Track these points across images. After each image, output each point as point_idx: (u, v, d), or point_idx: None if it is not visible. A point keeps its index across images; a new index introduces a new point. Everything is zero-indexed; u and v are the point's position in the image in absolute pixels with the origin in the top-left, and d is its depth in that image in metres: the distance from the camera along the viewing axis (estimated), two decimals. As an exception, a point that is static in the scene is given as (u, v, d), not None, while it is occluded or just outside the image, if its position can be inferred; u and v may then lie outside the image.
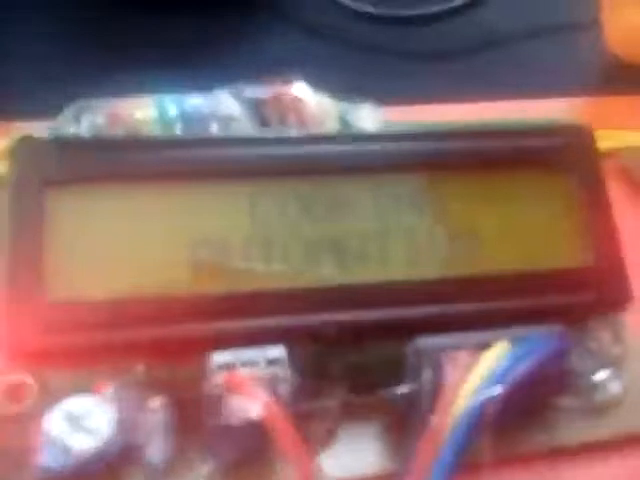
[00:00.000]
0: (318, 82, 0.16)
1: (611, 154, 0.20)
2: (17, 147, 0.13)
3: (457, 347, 0.13)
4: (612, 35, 0.23)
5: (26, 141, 0.13)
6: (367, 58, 0.23)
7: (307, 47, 0.23)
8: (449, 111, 0.19)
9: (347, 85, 0.17)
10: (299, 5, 0.24)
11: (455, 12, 0.24)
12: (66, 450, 0.12)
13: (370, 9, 0.23)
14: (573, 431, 0.15)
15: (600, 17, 0.23)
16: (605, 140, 0.20)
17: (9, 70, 0.19)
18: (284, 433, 0.11)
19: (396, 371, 0.13)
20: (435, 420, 0.12)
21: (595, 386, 0.15)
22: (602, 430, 0.15)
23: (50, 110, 0.15)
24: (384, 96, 0.17)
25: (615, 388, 0.15)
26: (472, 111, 0.19)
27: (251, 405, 0.11)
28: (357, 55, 0.23)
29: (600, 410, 0.15)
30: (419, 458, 0.12)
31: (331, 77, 0.16)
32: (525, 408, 0.14)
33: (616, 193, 0.19)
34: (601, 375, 0.15)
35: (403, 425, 0.13)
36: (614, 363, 0.16)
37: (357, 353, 0.14)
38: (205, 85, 0.16)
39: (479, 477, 0.13)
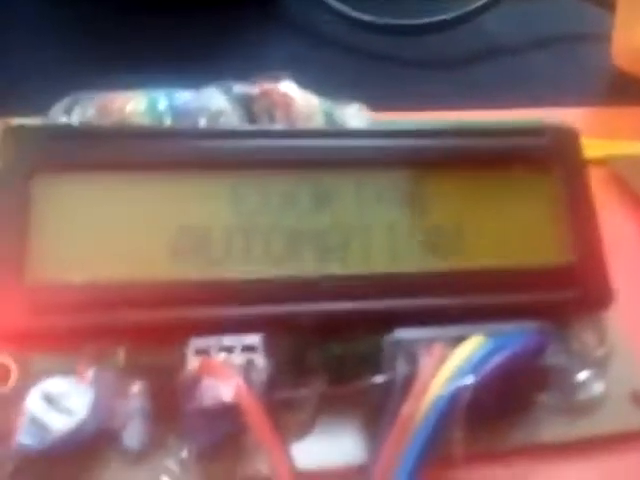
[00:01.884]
0: (313, 89, 0.17)
1: (605, 162, 0.20)
2: (5, 135, 0.14)
3: (434, 340, 0.13)
4: (621, 50, 0.23)
5: (14, 129, 0.14)
6: (365, 66, 0.23)
7: (305, 54, 0.23)
8: (443, 118, 0.19)
9: (344, 92, 0.17)
10: (300, 13, 0.24)
11: (458, 22, 0.24)
12: (43, 429, 0.12)
13: (370, 18, 0.23)
14: (554, 429, 0.15)
15: (605, 30, 0.23)
16: (600, 149, 0.21)
17: (4, 67, 0.20)
18: (256, 417, 0.11)
19: (373, 363, 0.14)
20: (406, 408, 0.12)
21: (578, 385, 0.15)
22: (583, 429, 0.15)
23: (44, 106, 0.16)
24: (380, 103, 0.17)
25: (598, 388, 0.15)
26: (470, 119, 0.19)
27: (224, 388, 0.12)
28: (356, 62, 0.23)
29: (582, 409, 0.15)
30: (389, 446, 0.12)
31: (328, 83, 0.17)
32: (503, 403, 0.14)
33: (610, 200, 0.20)
34: (584, 375, 0.15)
35: (379, 417, 0.13)
36: (597, 364, 0.16)
37: (335, 345, 0.14)
38: (196, 83, 0.16)
39: (455, 472, 0.13)
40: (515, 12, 0.25)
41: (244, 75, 0.17)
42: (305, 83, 0.17)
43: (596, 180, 0.19)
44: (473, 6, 0.24)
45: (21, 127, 0.14)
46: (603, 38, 0.24)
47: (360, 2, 0.24)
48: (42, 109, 0.15)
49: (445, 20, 0.24)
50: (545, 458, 0.15)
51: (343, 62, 0.23)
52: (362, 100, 0.17)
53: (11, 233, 0.13)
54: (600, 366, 0.16)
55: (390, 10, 0.24)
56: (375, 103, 0.17)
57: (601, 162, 0.20)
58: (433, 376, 0.12)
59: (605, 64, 0.24)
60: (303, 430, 0.14)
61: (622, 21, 0.23)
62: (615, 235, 0.18)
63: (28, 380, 0.13)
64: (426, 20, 0.24)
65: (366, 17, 0.23)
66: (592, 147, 0.20)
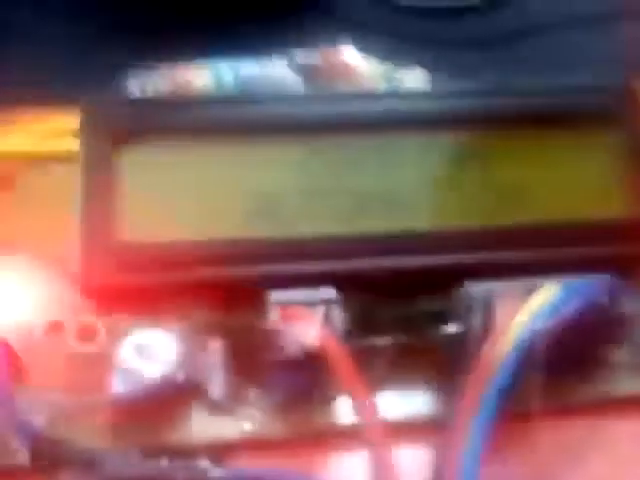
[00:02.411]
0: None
1: None
2: (87, 107, 0.14)
3: (507, 292, 0.13)
4: None
5: (95, 101, 0.14)
6: (405, 49, 0.23)
7: (345, 40, 0.23)
8: None
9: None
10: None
11: (499, 2, 0.24)
12: (136, 377, 0.12)
13: (407, 2, 0.23)
14: (626, 384, 0.15)
15: None
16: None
17: (74, 57, 0.21)
18: (339, 358, 0.12)
19: (444, 319, 0.14)
20: (484, 356, 0.12)
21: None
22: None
23: (114, 80, 0.16)
24: None
25: (670, 345, 0.15)
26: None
27: (308, 332, 0.12)
28: (395, 47, 0.23)
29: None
30: (470, 390, 0.12)
31: None
32: (578, 356, 0.14)
33: None
34: (656, 331, 0.15)
35: (453, 367, 0.13)
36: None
37: (407, 304, 0.14)
38: (258, 54, 0.17)
39: (529, 427, 0.13)
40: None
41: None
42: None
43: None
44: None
45: (102, 98, 0.14)
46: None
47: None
48: (112, 83, 0.16)
49: (486, 1, 0.24)
50: (618, 413, 0.15)
51: (383, 46, 0.24)
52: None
53: (100, 197, 0.13)
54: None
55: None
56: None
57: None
58: (509, 321, 0.13)
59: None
60: (378, 385, 0.14)
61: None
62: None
63: (114, 338, 0.14)
64: (463, 3, 0.24)
65: (408, 2, 0.23)
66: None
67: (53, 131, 0.17)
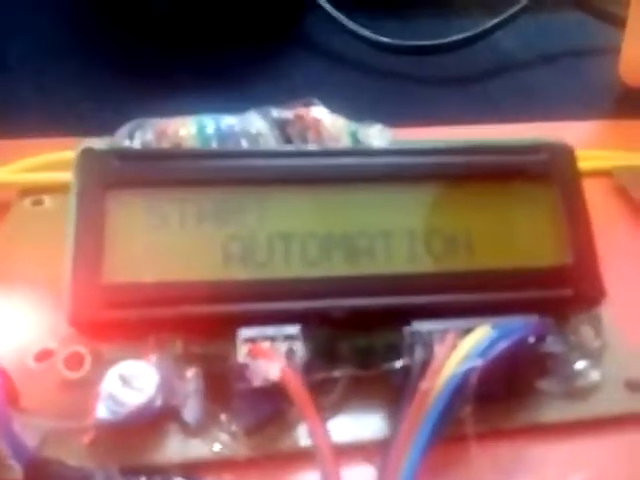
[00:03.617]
0: (337, 107, 0.19)
1: (610, 174, 0.22)
2: (81, 156, 0.16)
3: (447, 330, 0.15)
4: (629, 66, 0.24)
5: (88, 151, 0.16)
6: (384, 85, 0.25)
7: (328, 76, 0.25)
8: (460, 133, 0.21)
9: (365, 109, 0.19)
10: (322, 38, 0.26)
11: (471, 41, 0.25)
12: (119, 404, 0.14)
13: (388, 39, 0.25)
14: (553, 412, 0.17)
15: (613, 47, 0.24)
16: (605, 160, 0.22)
17: (72, 96, 0.22)
18: (299, 393, 0.14)
19: (395, 351, 0.16)
20: (423, 387, 0.14)
21: (575, 373, 0.17)
22: (580, 412, 0.17)
23: (107, 129, 0.18)
24: (400, 120, 0.20)
25: (594, 376, 0.17)
26: (482, 133, 0.21)
27: (271, 369, 0.14)
28: (375, 82, 0.25)
29: (579, 395, 0.17)
30: (409, 418, 0.14)
31: (349, 103, 0.19)
32: (508, 387, 0.16)
33: (614, 210, 0.21)
34: (581, 364, 0.17)
35: (399, 396, 0.15)
36: (593, 354, 0.18)
37: (361, 336, 0.16)
38: (237, 108, 0.19)
39: (464, 448, 0.15)
40: (528, 29, 0.27)
41: (276, 96, 0.19)
42: (329, 102, 0.19)
43: (601, 190, 0.21)
44: (488, 24, 0.25)
45: (94, 149, 0.16)
46: (611, 54, 0.25)
47: (378, 25, 0.25)
48: (104, 132, 0.18)
49: (458, 40, 0.25)
50: (545, 438, 0.17)
51: (364, 82, 0.25)
52: (383, 117, 0.19)
53: (90, 239, 0.15)
54: (596, 356, 0.18)
55: (408, 31, 0.26)
56: (395, 120, 0.19)
57: (606, 173, 0.22)
58: (446, 360, 0.14)
59: (613, 79, 0.25)
60: (334, 410, 0.16)
61: (631, 39, 0.24)
62: (617, 242, 0.20)
63: (99, 366, 0.15)
64: (441, 40, 0.25)
65: (385, 39, 0.25)
66: (598, 158, 0.22)
67: (48, 163, 0.19)
